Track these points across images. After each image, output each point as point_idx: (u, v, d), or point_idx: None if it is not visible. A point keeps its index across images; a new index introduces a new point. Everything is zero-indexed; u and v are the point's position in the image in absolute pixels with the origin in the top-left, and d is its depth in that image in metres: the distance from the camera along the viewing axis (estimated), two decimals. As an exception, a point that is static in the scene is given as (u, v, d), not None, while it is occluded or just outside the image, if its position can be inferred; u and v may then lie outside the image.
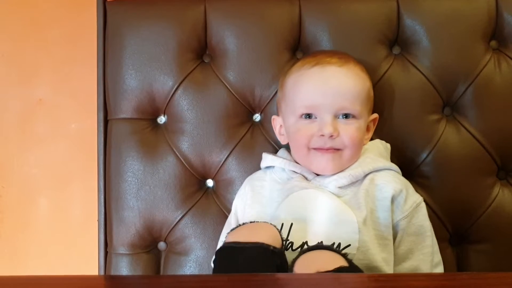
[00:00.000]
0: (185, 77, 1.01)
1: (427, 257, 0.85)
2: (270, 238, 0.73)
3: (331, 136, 0.85)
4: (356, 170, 0.87)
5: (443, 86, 0.99)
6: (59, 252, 1.44)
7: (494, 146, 0.98)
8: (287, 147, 0.95)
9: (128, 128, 1.02)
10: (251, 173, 0.97)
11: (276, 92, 0.99)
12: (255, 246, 0.71)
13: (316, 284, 0.57)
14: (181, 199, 1.01)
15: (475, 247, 0.99)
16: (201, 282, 0.59)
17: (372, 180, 0.86)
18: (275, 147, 1.00)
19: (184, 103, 1.01)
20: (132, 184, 1.01)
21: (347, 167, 0.88)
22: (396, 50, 1.02)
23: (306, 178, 0.90)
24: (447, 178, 0.98)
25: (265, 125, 1.01)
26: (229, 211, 0.98)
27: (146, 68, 1.02)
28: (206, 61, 1.04)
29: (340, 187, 0.86)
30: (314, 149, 0.87)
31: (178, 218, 1.00)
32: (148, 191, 1.01)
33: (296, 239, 0.82)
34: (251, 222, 0.82)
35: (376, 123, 0.95)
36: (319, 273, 0.65)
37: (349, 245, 0.80)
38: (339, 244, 0.80)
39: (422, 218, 0.87)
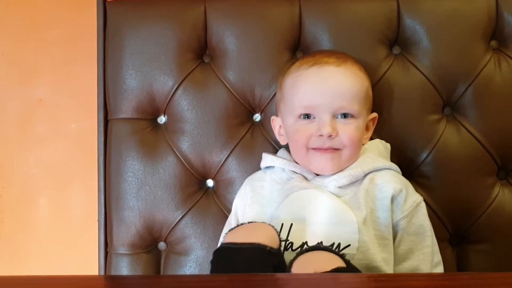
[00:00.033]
0: (185, 77, 1.01)
1: (427, 257, 0.85)
2: (267, 239, 0.72)
3: (330, 136, 0.85)
4: (356, 169, 0.87)
5: (443, 86, 0.99)
6: (59, 252, 1.44)
7: (494, 146, 0.98)
8: (287, 147, 0.95)
9: (128, 128, 1.02)
10: (251, 173, 0.97)
11: (276, 92, 0.99)
12: (252, 247, 0.71)
13: (316, 284, 0.57)
14: (181, 199, 1.01)
15: (475, 247, 0.99)
16: (201, 282, 0.59)
17: (372, 180, 0.86)
18: (275, 147, 1.00)
19: (184, 103, 1.01)
20: (132, 184, 1.01)
21: (346, 167, 0.88)
22: (396, 50, 1.02)
23: (306, 178, 0.90)
24: (447, 178, 0.98)
25: (265, 125, 1.01)
26: (229, 211, 0.98)
27: (146, 68, 1.02)
28: (206, 61, 1.04)
29: (340, 187, 0.86)
30: (313, 149, 0.87)
31: (178, 218, 1.00)
32: (148, 191, 1.01)
33: (296, 239, 0.82)
34: (249, 222, 0.82)
35: (375, 122, 0.95)
36: (318, 273, 0.65)
37: (349, 245, 0.80)
38: (339, 244, 0.80)
39: (422, 217, 0.87)
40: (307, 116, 0.88)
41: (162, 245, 1.03)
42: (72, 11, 1.39)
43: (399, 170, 0.90)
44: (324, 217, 0.83)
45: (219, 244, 0.91)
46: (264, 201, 0.90)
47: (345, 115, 0.87)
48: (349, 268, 0.70)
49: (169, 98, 1.02)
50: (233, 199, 0.97)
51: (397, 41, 1.02)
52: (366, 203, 0.83)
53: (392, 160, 0.94)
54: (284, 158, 0.93)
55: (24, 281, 0.58)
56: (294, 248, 0.82)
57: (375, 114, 0.94)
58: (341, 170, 0.88)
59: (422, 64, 0.99)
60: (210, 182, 1.03)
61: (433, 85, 0.99)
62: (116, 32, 1.03)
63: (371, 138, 0.96)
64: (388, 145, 0.96)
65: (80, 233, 1.41)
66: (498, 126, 0.99)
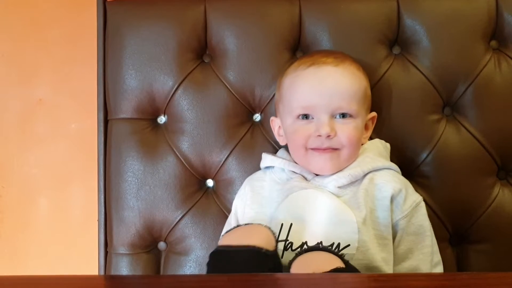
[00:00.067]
0: (185, 77, 1.01)
1: (427, 257, 0.85)
2: (263, 241, 0.72)
3: (328, 136, 0.85)
4: (355, 169, 0.87)
5: (443, 86, 0.99)
6: (59, 252, 1.44)
7: (494, 146, 0.98)
8: (287, 147, 0.95)
9: (128, 128, 1.02)
10: (251, 173, 0.97)
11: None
12: (247, 250, 0.70)
13: (315, 284, 0.57)
14: (181, 199, 1.01)
15: (475, 247, 0.99)
16: (201, 282, 0.59)
17: (371, 180, 0.86)
18: (275, 147, 1.00)
19: (184, 103, 1.01)
20: (132, 184, 1.01)
21: (346, 167, 0.88)
22: (396, 50, 1.02)
23: (305, 178, 0.90)
24: (447, 178, 0.98)
25: (265, 125, 1.01)
26: (229, 211, 0.98)
27: (146, 68, 1.02)
28: (206, 61, 1.04)
29: (339, 187, 0.86)
30: (312, 149, 0.87)
31: (178, 218, 1.00)
32: (148, 191, 1.01)
33: (296, 239, 0.82)
34: (245, 224, 0.81)
35: (374, 122, 0.95)
36: (317, 273, 0.65)
37: (349, 245, 0.80)
38: (339, 244, 0.80)
39: (422, 217, 0.87)
40: (306, 116, 0.88)
41: (162, 245, 1.03)
42: (72, 11, 1.39)
43: (398, 170, 0.90)
44: (323, 217, 0.83)
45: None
46: (263, 201, 0.90)
47: (343, 115, 0.87)
48: (348, 268, 0.70)
49: (169, 98, 1.02)
50: (233, 199, 0.97)
51: (397, 41, 1.02)
52: (366, 203, 0.83)
53: (392, 160, 0.94)
54: (283, 158, 0.93)
55: (24, 281, 0.58)
56: (294, 248, 0.82)
57: (374, 114, 0.94)
58: (341, 170, 0.87)
59: (422, 64, 0.99)
60: (210, 182, 1.03)
61: (433, 85, 0.99)
62: (116, 32, 1.03)
63: (371, 138, 0.96)
64: (388, 145, 0.96)
65: (80, 233, 1.41)
66: (498, 126, 0.99)
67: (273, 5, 1.02)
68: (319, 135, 0.86)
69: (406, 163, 0.98)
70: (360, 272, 0.75)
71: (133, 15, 1.03)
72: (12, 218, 1.44)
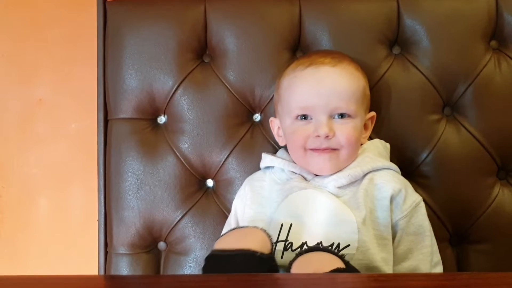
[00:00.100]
0: (185, 77, 1.01)
1: (426, 257, 0.85)
2: (258, 244, 0.72)
3: (327, 136, 0.85)
4: (355, 169, 0.87)
5: (443, 86, 0.99)
6: (59, 252, 1.44)
7: (494, 146, 0.98)
8: (286, 148, 0.95)
9: (128, 128, 1.02)
10: (251, 173, 0.97)
11: (276, 92, 0.99)
12: (242, 253, 0.70)
13: (315, 284, 0.57)
14: (181, 199, 1.01)
15: (475, 247, 0.99)
16: (201, 282, 0.59)
17: (371, 180, 0.86)
18: (275, 147, 1.00)
19: (184, 103, 1.01)
20: (132, 184, 1.01)
21: (345, 167, 0.88)
22: (396, 50, 1.02)
23: (305, 179, 0.90)
24: (447, 178, 0.98)
25: (265, 125, 1.01)
26: (229, 211, 0.98)
27: (146, 68, 1.02)
28: (206, 61, 1.04)
29: (339, 187, 0.86)
30: (311, 149, 0.87)
31: (178, 218, 1.00)
32: (148, 191, 1.01)
33: (296, 240, 0.82)
34: (240, 227, 0.81)
35: (374, 122, 0.95)
36: (317, 273, 0.65)
37: (349, 245, 0.80)
38: (339, 244, 0.80)
39: (421, 217, 0.87)
40: (304, 117, 0.88)
41: (162, 245, 1.03)
42: (72, 11, 1.39)
43: (398, 170, 0.90)
44: (323, 217, 0.83)
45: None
46: (263, 201, 0.90)
47: (342, 115, 0.87)
48: (349, 268, 0.70)
49: (169, 98, 1.02)
50: (233, 199, 0.97)
51: (397, 41, 1.02)
52: (366, 203, 0.83)
53: (392, 160, 0.94)
54: (283, 159, 0.93)
55: (24, 281, 0.58)
56: (293, 248, 0.82)
57: (373, 113, 0.94)
58: (340, 170, 0.87)
59: (422, 64, 0.99)
60: (210, 182, 1.03)
61: (433, 85, 0.99)
62: (116, 32, 1.03)
63: (371, 138, 0.96)
64: (388, 145, 0.96)
65: (80, 233, 1.41)
66: (498, 126, 0.99)
67: (273, 5, 1.02)
68: (318, 136, 0.86)
69: (406, 163, 0.98)
70: (360, 272, 0.75)
71: (133, 15, 1.03)
72: (12, 218, 1.44)
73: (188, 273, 1.00)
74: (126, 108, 1.02)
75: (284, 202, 0.86)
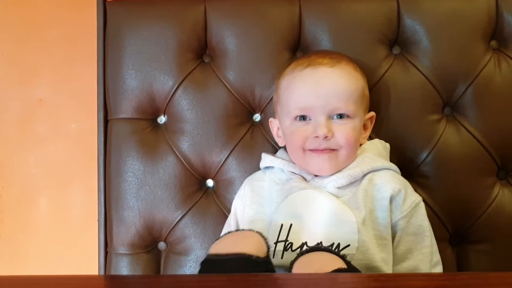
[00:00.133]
0: (185, 77, 1.01)
1: (426, 257, 0.85)
2: (253, 248, 0.71)
3: (326, 137, 0.85)
4: (354, 170, 0.87)
5: (443, 86, 0.99)
6: (59, 252, 1.44)
7: (494, 146, 0.98)
8: (286, 148, 0.95)
9: (128, 128, 1.02)
10: (251, 173, 0.97)
11: (276, 92, 0.99)
12: (237, 258, 0.69)
13: (315, 284, 0.57)
14: (181, 199, 1.01)
15: (475, 247, 0.99)
16: (201, 282, 0.59)
17: (370, 180, 0.86)
18: (275, 147, 1.00)
19: (184, 103, 1.01)
20: (132, 184, 1.01)
21: (344, 167, 0.88)
22: (396, 50, 1.02)
23: (305, 179, 0.90)
24: (447, 178, 0.98)
25: (265, 125, 1.01)
26: (229, 211, 0.98)
27: (146, 68, 1.02)
28: (206, 61, 1.04)
29: (339, 188, 0.86)
30: (310, 150, 0.87)
31: (178, 218, 1.00)
32: (148, 191, 1.01)
33: (296, 240, 0.82)
34: (236, 230, 0.80)
35: (373, 122, 0.95)
36: (318, 273, 0.65)
37: (349, 245, 0.80)
38: (339, 244, 0.80)
39: (421, 218, 0.87)
40: (303, 117, 0.88)
41: (162, 245, 1.03)
42: (72, 11, 1.39)
43: (398, 170, 0.90)
44: (323, 218, 0.83)
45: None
46: (263, 202, 0.90)
47: (340, 116, 0.87)
48: (350, 269, 0.70)
49: (169, 98, 1.02)
50: (233, 199, 0.97)
51: (397, 41, 1.02)
52: (365, 204, 0.83)
53: (391, 160, 0.94)
54: (283, 159, 0.93)
55: (24, 281, 0.58)
56: (294, 248, 0.82)
57: (372, 113, 0.94)
58: (340, 171, 0.87)
59: (422, 64, 0.99)
60: (210, 182, 1.03)
61: (433, 85, 0.99)
62: (116, 32, 1.03)
63: (371, 138, 0.96)
64: (388, 145, 0.96)
65: (80, 233, 1.41)
66: (498, 126, 0.99)
67: (273, 5, 1.02)
68: (317, 136, 0.86)
69: (406, 163, 0.98)
70: (361, 273, 0.75)
71: (133, 15, 1.03)
72: (12, 218, 1.44)
73: (188, 273, 1.00)
74: (126, 108, 1.02)
75: (284, 202, 0.86)
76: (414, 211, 0.86)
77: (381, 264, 0.81)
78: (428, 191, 0.98)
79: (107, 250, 1.04)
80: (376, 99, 0.97)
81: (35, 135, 1.42)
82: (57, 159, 1.42)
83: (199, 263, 0.73)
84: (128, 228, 1.01)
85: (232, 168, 1.01)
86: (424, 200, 0.89)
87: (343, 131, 0.86)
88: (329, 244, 0.80)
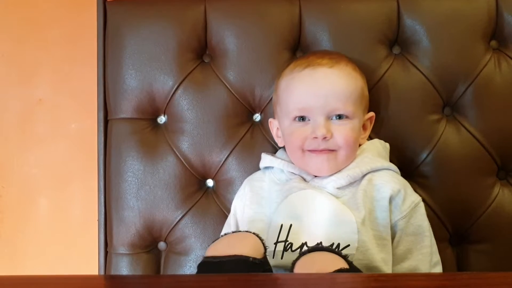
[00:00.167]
0: (185, 77, 1.01)
1: (426, 257, 0.85)
2: (250, 249, 0.71)
3: (325, 138, 0.85)
4: (354, 170, 0.87)
5: (443, 86, 0.99)
6: (59, 252, 1.44)
7: (494, 146, 0.98)
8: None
9: (128, 128, 1.02)
10: (251, 173, 0.97)
11: (276, 92, 0.99)
12: (234, 259, 0.69)
13: (315, 284, 0.57)
14: (181, 199, 1.01)
15: (475, 247, 0.99)
16: (201, 282, 0.59)
17: (370, 180, 0.86)
18: (275, 147, 1.00)
19: (184, 103, 1.01)
20: (132, 184, 1.01)
21: (344, 167, 0.88)
22: (396, 50, 1.02)
23: (304, 179, 0.90)
24: (447, 178, 0.98)
25: (265, 125, 1.01)
26: (229, 211, 0.98)
27: (146, 68, 1.02)
28: (206, 61, 1.04)
29: (338, 188, 0.86)
30: (309, 151, 0.87)
31: (178, 218, 1.00)
32: (148, 191, 1.01)
33: (296, 240, 0.82)
34: (233, 232, 0.80)
35: (373, 122, 0.95)
36: (318, 273, 0.65)
37: (348, 245, 0.80)
38: (338, 245, 0.80)
39: (421, 218, 0.86)
40: (302, 118, 0.88)
41: (162, 245, 1.03)
42: (72, 11, 1.39)
43: (397, 170, 0.90)
44: (323, 218, 0.83)
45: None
46: (263, 202, 0.90)
47: (339, 116, 0.87)
48: (352, 269, 0.70)
49: (169, 98, 1.02)
50: (233, 199, 0.97)
51: (397, 41, 1.02)
52: (365, 204, 0.83)
53: (391, 160, 0.94)
54: (282, 159, 0.93)
55: (24, 281, 0.58)
56: (293, 249, 0.82)
57: (372, 114, 0.94)
58: (339, 171, 0.87)
59: (422, 64, 0.99)
60: (210, 182, 1.03)
61: (433, 85, 0.99)
62: (116, 32, 1.03)
63: (370, 138, 0.96)
64: (387, 145, 0.96)
65: (80, 233, 1.41)
66: (498, 126, 0.99)
67: (273, 5, 1.02)
68: (315, 137, 0.85)
69: (406, 163, 0.98)
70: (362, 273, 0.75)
71: (133, 15, 1.03)
72: (12, 218, 1.44)
73: (188, 273, 1.00)
74: (126, 108, 1.02)
75: (284, 203, 0.86)
76: (414, 211, 0.86)
77: (381, 264, 0.81)
78: (428, 191, 0.98)
79: (107, 250, 1.04)
80: (376, 99, 0.97)
81: (35, 135, 1.42)
82: (57, 159, 1.42)
83: (196, 266, 0.73)
84: (128, 228, 1.01)
85: (232, 168, 1.01)
86: (424, 200, 0.89)
87: (342, 131, 0.86)
88: (329, 244, 0.80)
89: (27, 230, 1.44)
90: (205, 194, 1.02)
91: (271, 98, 1.00)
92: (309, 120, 0.87)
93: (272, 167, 0.94)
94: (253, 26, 1.01)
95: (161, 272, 1.02)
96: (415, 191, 0.90)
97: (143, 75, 1.02)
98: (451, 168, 0.98)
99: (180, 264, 1.00)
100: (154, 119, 1.04)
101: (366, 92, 0.93)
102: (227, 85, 1.01)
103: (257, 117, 1.03)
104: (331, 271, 0.65)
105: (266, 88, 1.00)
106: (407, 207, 0.85)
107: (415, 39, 1.00)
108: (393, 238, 0.84)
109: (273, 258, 0.82)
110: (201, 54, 1.04)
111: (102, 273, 1.04)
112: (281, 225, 0.84)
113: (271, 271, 0.74)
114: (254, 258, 0.70)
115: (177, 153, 1.01)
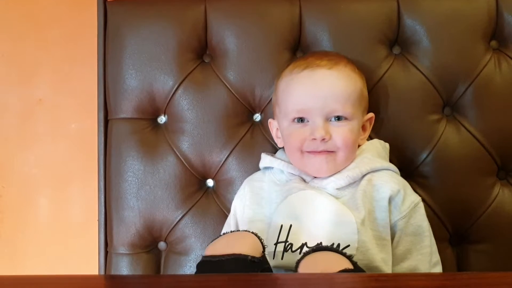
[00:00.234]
0: (185, 77, 1.01)
1: (426, 257, 0.85)
2: (249, 248, 0.71)
3: (323, 139, 0.85)
4: (353, 170, 0.87)
5: (443, 86, 0.99)
6: (59, 252, 1.44)
7: (494, 146, 0.98)
8: (286, 148, 0.95)
9: (128, 128, 1.02)
10: (251, 173, 0.97)
11: (276, 92, 0.99)
12: (233, 258, 0.69)
13: (315, 284, 0.57)
14: (181, 199, 1.01)
15: (475, 247, 0.99)
16: (201, 282, 0.59)
17: (369, 181, 0.86)
18: (275, 147, 1.00)
19: (184, 103, 1.01)
20: (132, 184, 1.01)
21: (343, 168, 0.88)
22: (396, 50, 1.02)
23: (304, 180, 0.90)
24: (447, 178, 0.98)
25: (265, 125, 1.01)
26: (229, 211, 0.98)
27: (146, 68, 1.02)
28: (206, 61, 1.04)
29: (338, 189, 0.86)
30: (308, 152, 0.87)
31: (178, 218, 1.00)
32: (148, 191, 1.01)
33: (296, 241, 0.82)
34: (231, 231, 0.81)
35: (372, 123, 0.95)
36: (318, 273, 0.65)
37: (348, 245, 0.80)
38: (339, 245, 0.80)
39: (420, 218, 0.86)
40: (301, 119, 0.88)
41: (162, 245, 1.03)
42: (72, 11, 1.39)
43: (397, 170, 0.90)
44: (323, 218, 0.83)
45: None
46: (263, 202, 0.90)
47: (338, 118, 0.86)
48: (356, 269, 0.69)
49: (169, 98, 1.02)
50: (233, 199, 0.97)
51: (397, 41, 1.02)
52: (364, 204, 0.83)
53: (391, 160, 0.94)
54: (282, 160, 0.93)
55: (24, 281, 0.58)
56: (294, 249, 0.82)
57: (371, 114, 0.94)
58: (339, 172, 0.87)
59: (422, 64, 0.99)
60: (210, 182, 1.03)
61: (433, 85, 0.99)
62: (116, 32, 1.03)
63: (370, 138, 0.96)
64: (387, 145, 0.96)
65: (80, 233, 1.41)
66: (498, 126, 0.99)
67: (273, 5, 1.02)
68: (314, 139, 0.85)
69: (406, 163, 0.98)
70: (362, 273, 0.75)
71: (133, 15, 1.03)
72: (12, 218, 1.44)
73: (188, 273, 1.00)
74: (126, 108, 1.02)
75: (284, 203, 0.86)
76: (413, 212, 0.86)
77: (381, 264, 0.81)
78: (428, 191, 0.98)
79: (107, 250, 1.04)
80: (376, 99, 0.97)
81: (35, 135, 1.42)
82: (57, 159, 1.42)
83: (195, 265, 0.73)
84: (128, 228, 1.01)
85: (232, 168, 1.01)
86: (424, 200, 0.89)
87: (340, 133, 0.86)
88: (329, 244, 0.80)
89: (27, 230, 1.44)
90: (205, 194, 1.02)
91: (271, 98, 1.00)
92: (307, 121, 0.87)
93: (272, 168, 0.94)
94: (253, 26, 1.01)
95: (161, 272, 1.02)
96: (415, 191, 0.90)
97: (143, 75, 1.02)
98: (451, 168, 0.98)
99: (180, 264, 1.01)
100: (154, 119, 1.04)
101: (365, 93, 0.93)
102: (227, 85, 1.01)
103: (257, 117, 1.03)
104: (336, 271, 0.65)
105: (266, 88, 1.00)
106: (406, 207, 0.85)
107: (415, 39, 1.00)
108: (392, 238, 0.84)
109: (273, 258, 0.82)
110: (201, 54, 1.04)
111: (102, 273, 1.04)
112: (281, 226, 0.84)
113: (270, 270, 0.74)
114: (253, 257, 0.70)
115: (177, 153, 1.01)
